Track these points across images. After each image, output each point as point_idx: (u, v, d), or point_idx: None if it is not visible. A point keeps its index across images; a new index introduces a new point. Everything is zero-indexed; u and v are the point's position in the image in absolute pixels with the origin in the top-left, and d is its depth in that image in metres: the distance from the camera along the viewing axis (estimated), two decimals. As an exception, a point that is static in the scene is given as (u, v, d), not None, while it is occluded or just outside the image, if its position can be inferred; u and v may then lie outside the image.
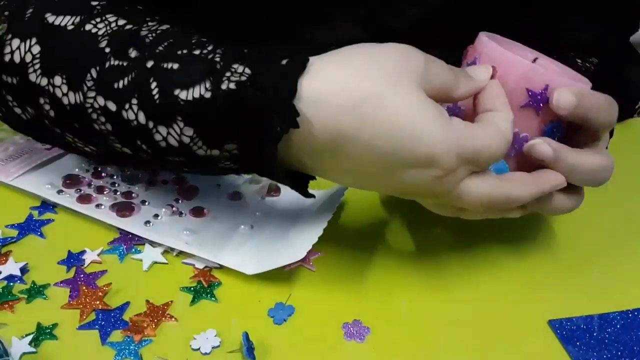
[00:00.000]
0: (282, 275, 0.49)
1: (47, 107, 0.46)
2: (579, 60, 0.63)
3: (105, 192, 0.55)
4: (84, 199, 0.54)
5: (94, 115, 0.44)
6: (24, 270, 0.48)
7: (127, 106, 0.42)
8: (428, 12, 0.60)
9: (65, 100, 0.44)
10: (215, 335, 0.43)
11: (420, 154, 0.40)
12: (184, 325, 0.44)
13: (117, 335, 0.43)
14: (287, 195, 0.56)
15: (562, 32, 0.65)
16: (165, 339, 0.43)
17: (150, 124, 0.42)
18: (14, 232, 0.51)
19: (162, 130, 0.42)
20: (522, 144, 0.45)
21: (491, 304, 0.48)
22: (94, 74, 0.43)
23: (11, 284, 0.46)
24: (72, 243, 0.50)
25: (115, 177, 0.57)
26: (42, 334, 0.43)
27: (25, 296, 0.46)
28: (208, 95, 0.41)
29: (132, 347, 0.42)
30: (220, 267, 0.49)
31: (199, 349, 0.42)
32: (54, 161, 0.58)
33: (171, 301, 0.46)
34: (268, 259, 0.48)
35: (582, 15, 0.66)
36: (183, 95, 0.41)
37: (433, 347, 0.44)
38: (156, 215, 0.53)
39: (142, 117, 0.42)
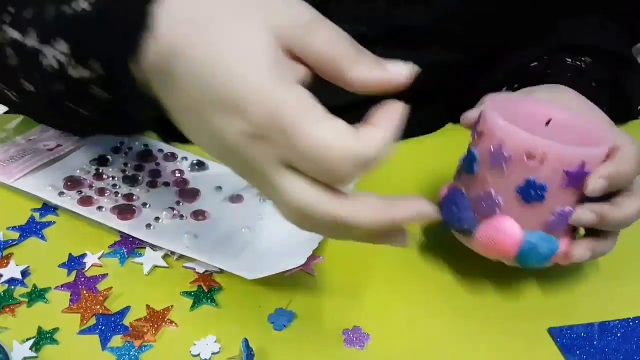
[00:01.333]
0: (283, 280, 0.49)
1: None
2: (568, 60, 0.62)
3: (106, 195, 0.55)
4: (85, 201, 0.54)
5: (8, 51, 0.43)
6: (25, 273, 0.48)
7: (26, 30, 0.42)
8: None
9: None
10: (216, 342, 0.43)
11: (231, 92, 0.34)
12: (184, 331, 0.44)
13: (117, 341, 0.43)
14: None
15: (562, 35, 0.65)
16: (165, 344, 0.43)
17: (38, 45, 0.42)
18: (16, 235, 0.51)
19: (47, 50, 0.41)
20: (565, 217, 0.44)
21: (492, 311, 0.48)
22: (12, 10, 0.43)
23: (12, 287, 0.47)
24: (74, 246, 0.50)
25: (116, 179, 0.57)
26: (43, 338, 0.43)
27: (27, 300, 0.46)
28: (82, 7, 0.39)
29: (132, 353, 0.43)
30: (221, 272, 0.49)
31: (199, 355, 0.43)
32: (55, 162, 0.58)
33: (172, 306, 0.46)
34: (268, 264, 0.48)
35: (586, 19, 0.66)
36: (65, 9, 0.40)
37: (433, 354, 0.44)
38: (157, 219, 0.53)
39: (34, 39, 0.42)
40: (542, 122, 0.46)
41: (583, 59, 0.63)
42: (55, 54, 0.41)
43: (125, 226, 0.52)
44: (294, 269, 0.49)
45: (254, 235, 0.52)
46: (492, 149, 0.43)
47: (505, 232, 0.43)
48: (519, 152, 0.42)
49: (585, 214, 0.44)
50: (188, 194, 0.56)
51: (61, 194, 0.54)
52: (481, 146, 0.44)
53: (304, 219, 0.36)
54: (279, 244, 0.51)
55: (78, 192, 0.55)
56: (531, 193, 0.42)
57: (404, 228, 0.39)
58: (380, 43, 0.53)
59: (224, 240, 0.51)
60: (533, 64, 0.64)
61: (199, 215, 0.54)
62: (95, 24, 0.39)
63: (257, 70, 0.34)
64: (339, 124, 0.34)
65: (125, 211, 0.53)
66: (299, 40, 0.35)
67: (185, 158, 0.60)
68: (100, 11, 0.39)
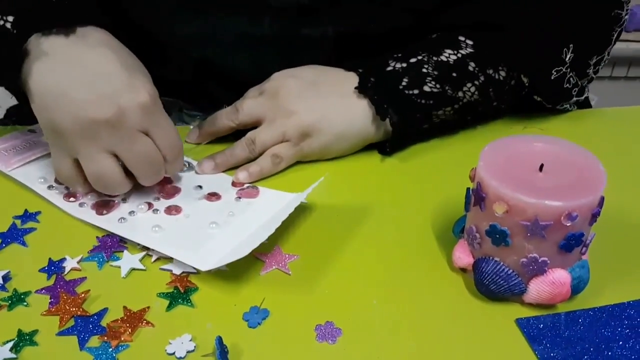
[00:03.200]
0: (258, 279, 0.50)
1: None
2: (461, 38, 0.66)
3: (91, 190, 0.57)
4: (70, 196, 0.56)
5: None
6: (6, 278, 0.49)
7: None
8: None
9: None
10: (190, 340, 0.44)
11: None
12: (160, 331, 0.46)
13: (94, 341, 0.44)
14: (265, 196, 0.58)
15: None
16: (141, 344, 0.45)
17: None
18: (-3, 241, 0.52)
19: None
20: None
21: (460, 303, 0.49)
22: None
23: (-7, 292, 0.48)
24: (53, 251, 0.52)
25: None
26: (23, 340, 0.44)
27: (7, 304, 0.47)
28: None
29: (109, 353, 0.44)
30: (197, 272, 0.50)
31: (174, 353, 0.44)
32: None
33: (148, 307, 0.47)
34: (219, 256, 0.49)
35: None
36: None
37: (402, 346, 0.45)
38: (131, 212, 0.55)
39: None
40: (536, 161, 0.48)
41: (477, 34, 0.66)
42: None
43: (98, 220, 0.54)
44: (269, 267, 0.50)
45: (219, 230, 0.54)
46: (529, 223, 0.45)
47: (560, 281, 0.47)
48: (557, 219, 0.44)
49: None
50: (168, 190, 0.58)
51: (50, 187, 0.57)
52: (509, 221, 0.45)
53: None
54: (236, 238, 0.52)
55: (66, 186, 0.57)
56: (572, 244, 0.46)
57: None
58: (323, 12, 0.64)
59: (188, 234, 0.53)
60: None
61: (172, 210, 0.56)
62: None
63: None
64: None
65: (102, 206, 0.55)
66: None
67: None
68: None
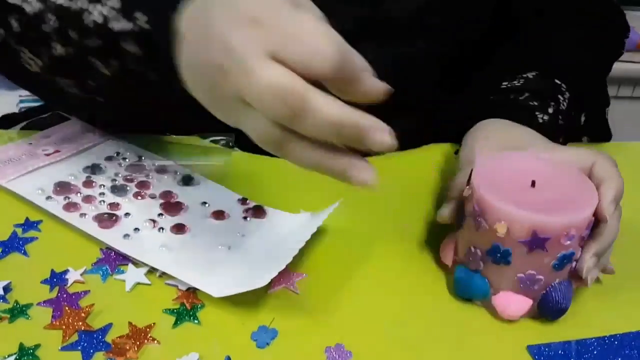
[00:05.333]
0: (266, 297, 0.49)
1: (14, 23, 0.52)
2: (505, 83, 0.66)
3: (92, 202, 0.56)
4: (70, 206, 0.55)
5: (47, 17, 0.51)
6: (7, 289, 0.48)
7: None
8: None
9: (28, 8, 0.51)
10: (198, 359, 0.43)
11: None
12: (166, 348, 0.44)
13: (99, 357, 0.43)
14: (273, 218, 0.57)
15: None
16: (147, 362, 0.44)
17: (86, 5, 0.50)
18: (-3, 250, 0.51)
19: (94, 8, 0.49)
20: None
21: (472, 328, 0.48)
22: None
23: (-6, 303, 0.47)
24: (56, 262, 0.50)
25: (104, 187, 0.58)
26: (25, 355, 0.43)
27: (8, 316, 0.46)
28: None
29: (114, 370, 0.43)
30: (203, 288, 0.49)
31: (180, 372, 0.43)
32: (49, 166, 0.59)
33: (154, 323, 0.46)
34: (234, 282, 0.48)
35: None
36: None
37: (413, 371, 0.45)
38: (136, 229, 0.53)
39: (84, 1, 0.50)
40: (527, 176, 0.48)
41: (559, 82, 0.64)
42: (102, 10, 0.49)
43: (103, 234, 0.52)
44: (276, 285, 0.49)
45: (229, 253, 0.52)
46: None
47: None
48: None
49: (588, 262, 0.48)
50: (172, 207, 0.57)
51: (48, 198, 0.55)
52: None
53: (278, 96, 0.36)
54: (249, 263, 0.51)
55: (65, 197, 0.56)
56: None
57: (367, 161, 0.39)
58: (364, 37, 0.56)
59: (198, 256, 0.51)
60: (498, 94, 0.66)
61: (178, 229, 0.54)
62: None
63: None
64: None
65: (106, 220, 0.54)
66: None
67: (176, 172, 0.61)
68: None
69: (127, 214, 0.55)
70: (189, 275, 0.49)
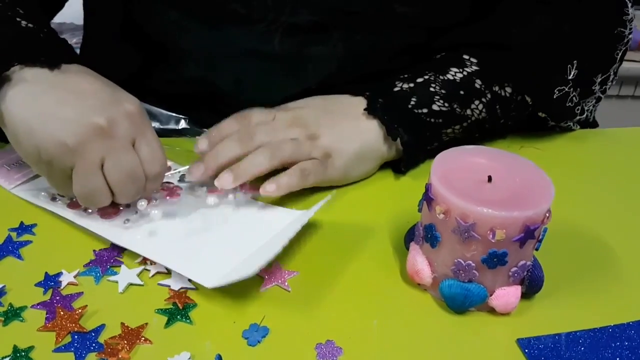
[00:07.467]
0: (257, 296, 0.49)
1: None
2: (465, 57, 0.66)
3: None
4: (75, 204, 0.56)
5: None
6: (1, 292, 0.48)
7: None
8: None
9: None
10: (189, 358, 0.44)
11: None
12: (158, 348, 0.45)
13: (92, 358, 0.44)
14: (265, 211, 0.58)
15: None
16: (139, 361, 0.44)
17: None
18: (-8, 254, 0.51)
19: None
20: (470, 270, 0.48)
21: (461, 322, 0.49)
22: None
23: (-12, 306, 0.47)
24: (49, 265, 0.51)
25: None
26: (18, 357, 0.44)
27: (3, 319, 0.46)
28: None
29: (106, 370, 0.43)
30: (196, 288, 0.49)
31: (172, 371, 0.43)
32: None
33: (146, 323, 0.46)
34: (224, 272, 0.49)
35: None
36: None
37: (404, 367, 0.45)
38: (127, 220, 0.55)
39: None
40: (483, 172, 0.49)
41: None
42: None
43: (103, 226, 0.54)
44: (268, 283, 0.50)
45: (220, 243, 0.54)
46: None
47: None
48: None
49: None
50: (169, 191, 0.59)
51: (54, 198, 0.57)
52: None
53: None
54: (241, 253, 0.52)
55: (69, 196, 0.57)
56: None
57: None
58: (335, 27, 0.63)
59: (189, 246, 0.53)
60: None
61: (171, 216, 0.56)
62: None
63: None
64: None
65: (108, 213, 0.55)
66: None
67: (179, 171, 0.62)
68: None
69: (128, 205, 0.56)
70: (180, 264, 0.50)
